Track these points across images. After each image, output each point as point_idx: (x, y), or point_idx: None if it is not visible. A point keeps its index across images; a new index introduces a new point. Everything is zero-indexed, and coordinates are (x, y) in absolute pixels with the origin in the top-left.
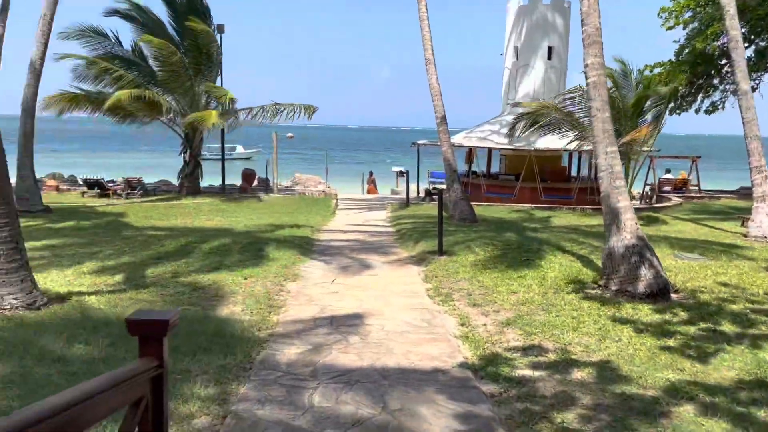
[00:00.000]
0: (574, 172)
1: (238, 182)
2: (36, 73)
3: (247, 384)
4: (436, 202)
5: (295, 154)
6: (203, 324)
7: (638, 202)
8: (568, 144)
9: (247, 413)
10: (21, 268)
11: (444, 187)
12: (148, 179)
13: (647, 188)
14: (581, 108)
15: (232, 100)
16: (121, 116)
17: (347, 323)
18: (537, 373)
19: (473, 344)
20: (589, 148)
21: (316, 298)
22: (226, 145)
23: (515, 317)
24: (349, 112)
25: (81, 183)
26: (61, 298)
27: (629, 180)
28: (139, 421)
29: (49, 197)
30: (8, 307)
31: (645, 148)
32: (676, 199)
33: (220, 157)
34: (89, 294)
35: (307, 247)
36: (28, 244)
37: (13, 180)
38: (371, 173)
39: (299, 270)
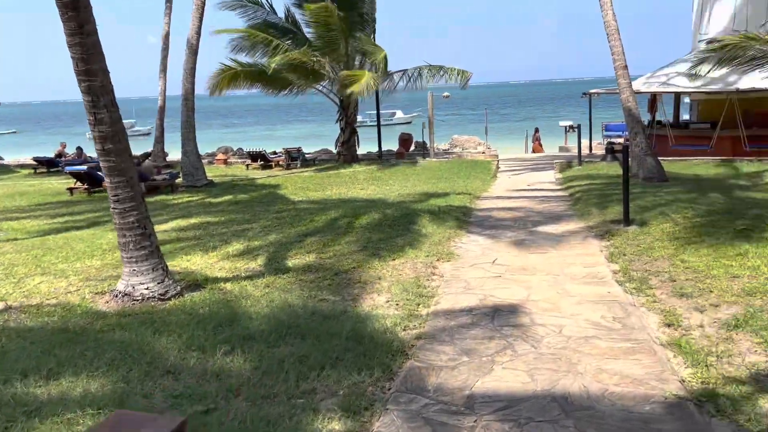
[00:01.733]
0: None
1: (396, 147)
2: (193, 48)
3: (383, 417)
4: (617, 160)
5: (454, 116)
6: (340, 322)
7: None
8: None
9: None
10: (151, 255)
11: (621, 141)
12: (311, 149)
13: None
14: None
15: (385, 59)
16: (277, 87)
17: (512, 321)
18: None
19: (691, 358)
20: None
21: (474, 283)
22: (385, 111)
23: (744, 315)
24: (512, 68)
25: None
26: (197, 285)
27: None
28: None
29: (217, 170)
30: (139, 297)
31: None
32: None
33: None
34: (226, 281)
35: (464, 218)
36: (183, 222)
37: (177, 156)
38: (536, 130)
39: (455, 247)
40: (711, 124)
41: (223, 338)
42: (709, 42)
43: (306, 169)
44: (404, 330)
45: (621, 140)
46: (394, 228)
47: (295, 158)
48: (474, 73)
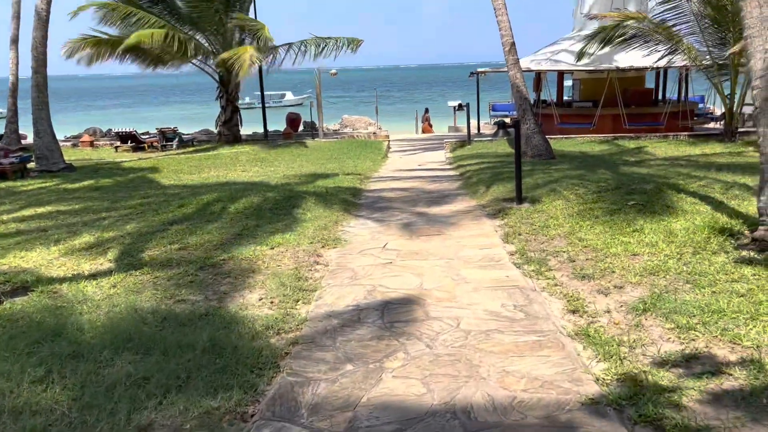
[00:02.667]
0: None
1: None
2: (42, 15)
3: None
4: (504, 138)
5: (344, 97)
6: (197, 329)
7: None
8: (658, 60)
9: None
10: None
11: (509, 120)
12: (190, 129)
13: None
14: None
15: (269, 39)
16: (149, 61)
17: (405, 317)
18: (731, 415)
19: (602, 351)
20: (682, 64)
21: (362, 273)
22: (275, 92)
23: (651, 297)
24: (402, 52)
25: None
26: (25, 288)
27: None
28: None
29: (81, 154)
30: None
31: None
32: None
33: (266, 102)
34: (63, 281)
35: (353, 200)
36: (29, 212)
37: (30, 138)
38: (426, 110)
39: (342, 231)
40: (593, 102)
41: (39, 359)
42: (592, 17)
43: (183, 150)
44: (277, 334)
45: (508, 120)
46: (275, 212)
47: (170, 139)
48: (364, 57)
